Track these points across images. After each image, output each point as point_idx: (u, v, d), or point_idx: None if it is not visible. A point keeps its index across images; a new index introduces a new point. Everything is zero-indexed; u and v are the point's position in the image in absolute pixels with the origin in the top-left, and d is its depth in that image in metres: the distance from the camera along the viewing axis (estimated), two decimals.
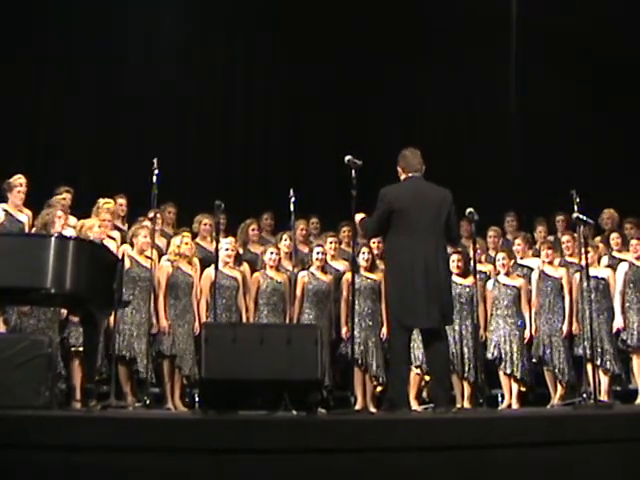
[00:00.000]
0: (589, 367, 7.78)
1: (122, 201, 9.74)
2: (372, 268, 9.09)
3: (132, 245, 8.65)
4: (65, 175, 10.18)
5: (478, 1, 13.04)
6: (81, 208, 9.09)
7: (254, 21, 13.03)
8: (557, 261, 9.38)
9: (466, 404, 8.78)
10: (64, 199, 8.81)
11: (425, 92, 13.51)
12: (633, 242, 9.18)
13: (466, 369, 8.86)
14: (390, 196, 6.69)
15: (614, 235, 9.57)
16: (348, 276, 8.90)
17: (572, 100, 12.80)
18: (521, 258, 9.66)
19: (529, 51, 13.00)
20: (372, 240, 9.14)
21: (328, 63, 12.71)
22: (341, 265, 9.51)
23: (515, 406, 8.85)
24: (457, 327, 8.89)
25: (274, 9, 12.88)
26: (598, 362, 8.38)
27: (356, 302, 8.40)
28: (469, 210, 7.51)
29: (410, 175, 6.85)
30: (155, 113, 12.33)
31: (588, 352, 8.03)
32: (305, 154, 12.81)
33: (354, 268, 7.69)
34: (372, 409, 8.49)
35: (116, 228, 9.28)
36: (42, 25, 12.00)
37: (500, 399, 9.17)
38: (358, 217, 6.96)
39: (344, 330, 9.01)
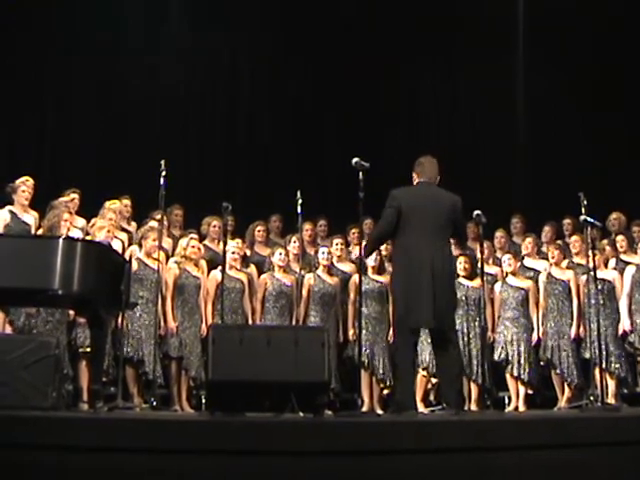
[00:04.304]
0: (596, 370, 7.77)
1: (127, 202, 9.74)
2: (380, 270, 9.13)
3: (140, 247, 8.70)
4: (72, 176, 10.21)
5: (480, 1, 13.08)
6: (87, 210, 9.11)
7: (258, 22, 13.02)
8: (564, 263, 9.37)
9: (473, 406, 8.80)
10: (71, 200, 8.84)
11: (430, 93, 13.53)
12: None
13: (473, 371, 8.88)
14: (399, 197, 6.74)
15: (619, 238, 9.56)
16: (355, 278, 8.93)
17: (580, 101, 12.75)
18: (528, 256, 9.68)
19: (535, 51, 12.97)
20: None
21: (336, 63, 12.70)
22: (347, 267, 9.54)
23: (522, 409, 8.84)
24: (465, 329, 8.93)
25: (276, 10, 12.89)
26: (604, 365, 8.36)
27: (363, 304, 8.41)
28: (476, 212, 7.51)
29: (423, 180, 6.90)
30: (161, 114, 12.40)
31: (595, 355, 8.02)
32: (313, 155, 12.76)
33: (361, 270, 7.69)
34: (379, 411, 8.49)
35: (122, 229, 9.31)
36: (46, 25, 12.03)
37: (507, 401, 9.16)
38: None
39: (351, 332, 9.05)
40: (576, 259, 9.43)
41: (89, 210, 9.13)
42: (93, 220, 8.64)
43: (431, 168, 6.95)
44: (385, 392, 8.96)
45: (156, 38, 12.54)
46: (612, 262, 9.38)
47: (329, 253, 9.28)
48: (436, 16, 12.92)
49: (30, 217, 8.51)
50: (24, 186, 8.47)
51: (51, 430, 4.47)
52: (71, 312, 7.89)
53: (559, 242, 9.92)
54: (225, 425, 4.87)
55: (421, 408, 8.26)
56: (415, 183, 6.97)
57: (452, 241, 7.12)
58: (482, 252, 7.89)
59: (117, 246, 8.40)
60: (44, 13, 12.00)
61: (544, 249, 9.98)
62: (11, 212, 8.41)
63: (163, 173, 7.74)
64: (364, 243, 7.05)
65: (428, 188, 6.88)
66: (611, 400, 8.49)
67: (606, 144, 12.37)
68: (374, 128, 12.61)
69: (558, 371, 8.94)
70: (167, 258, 8.95)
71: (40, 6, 11.89)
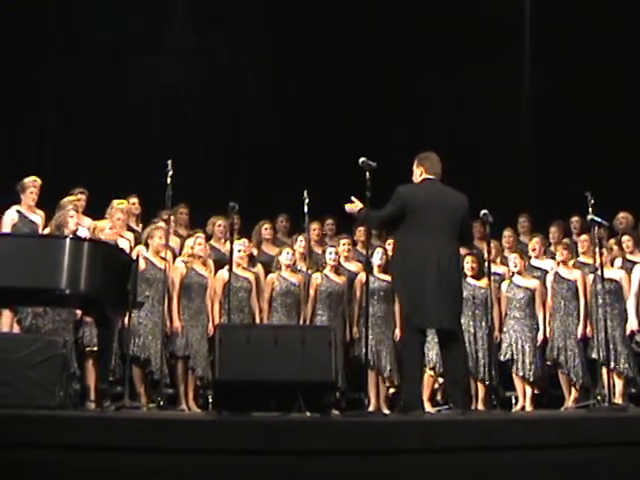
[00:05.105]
0: (603, 370, 7.77)
1: (134, 200, 9.73)
2: (386, 269, 9.09)
3: (147, 246, 8.69)
4: (72, 177, 10.20)
5: (480, 1, 13.11)
6: (93, 209, 9.11)
7: (258, 22, 13.02)
8: (572, 262, 9.36)
9: (480, 406, 8.80)
10: (78, 200, 8.83)
11: (430, 93, 13.51)
12: None
13: (480, 371, 8.88)
14: (407, 195, 6.68)
15: (625, 238, 9.49)
16: (361, 277, 8.96)
17: (580, 101, 12.73)
18: (536, 257, 9.68)
19: (535, 51, 13.00)
20: (387, 241, 9.17)
21: (336, 63, 12.67)
22: (354, 266, 9.54)
23: (529, 408, 8.84)
24: (471, 329, 8.92)
25: (276, 10, 12.90)
26: (612, 365, 8.35)
27: (369, 303, 8.39)
28: (483, 212, 7.53)
29: (429, 177, 6.86)
30: (161, 114, 12.38)
31: (602, 355, 8.02)
32: (313, 155, 12.74)
33: (368, 269, 7.68)
34: (385, 411, 8.50)
35: (129, 229, 9.31)
36: (46, 25, 12.01)
37: (514, 401, 9.15)
38: (351, 207, 6.89)
39: (354, 330, 9.09)
40: (582, 258, 9.44)
41: (89, 210, 9.11)
42: (93, 223, 8.59)
43: (437, 165, 6.90)
44: (391, 391, 8.99)
45: (156, 38, 12.48)
46: (618, 262, 9.35)
47: (336, 253, 9.29)
48: (436, 16, 12.89)
49: (37, 217, 8.52)
50: (32, 187, 8.49)
51: (57, 429, 4.47)
52: (78, 311, 7.89)
53: (567, 241, 9.92)
54: (232, 425, 4.88)
55: (428, 408, 8.23)
56: (421, 179, 6.89)
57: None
58: (489, 252, 7.89)
59: (124, 245, 8.40)
60: (44, 13, 11.96)
61: (552, 248, 9.98)
62: (18, 212, 8.43)
63: (170, 173, 7.75)
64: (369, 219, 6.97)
65: (435, 186, 6.83)
66: (618, 400, 8.47)
67: (606, 144, 12.32)
68: (374, 128, 12.56)
69: (565, 371, 8.94)
70: (174, 257, 8.95)
71: (40, 6, 11.85)
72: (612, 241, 9.62)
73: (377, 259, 9.11)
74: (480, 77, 12.89)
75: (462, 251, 7.87)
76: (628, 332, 8.95)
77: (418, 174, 6.93)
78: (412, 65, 13.09)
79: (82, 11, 12.03)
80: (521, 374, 8.94)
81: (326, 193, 11.39)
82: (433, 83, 13.55)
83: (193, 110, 12.80)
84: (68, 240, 6.26)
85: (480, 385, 8.94)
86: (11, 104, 11.54)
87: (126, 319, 7.47)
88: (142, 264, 8.21)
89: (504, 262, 9.64)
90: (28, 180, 8.53)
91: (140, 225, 9.67)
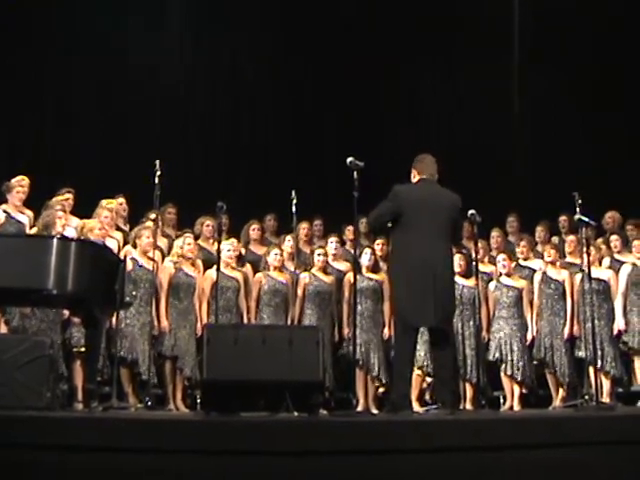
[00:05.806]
0: (591, 369, 7.78)
1: (122, 200, 9.67)
2: (374, 269, 9.13)
3: (135, 246, 8.68)
4: (72, 177, 10.17)
5: (480, 1, 13.07)
6: (82, 209, 9.09)
7: (258, 22, 13.04)
8: (559, 263, 9.35)
9: (468, 405, 8.79)
10: (66, 199, 8.81)
11: (427, 93, 13.51)
12: (636, 243, 9.19)
13: (468, 370, 8.87)
14: (402, 195, 6.77)
15: (613, 237, 9.55)
16: (350, 277, 8.95)
17: (580, 101, 12.71)
18: (524, 259, 9.65)
19: (535, 51, 12.97)
20: (376, 241, 9.19)
21: (336, 63, 12.67)
22: (343, 266, 9.53)
23: (517, 408, 8.83)
24: (459, 328, 8.89)
25: (276, 10, 12.91)
26: (599, 365, 8.37)
27: (357, 303, 8.38)
28: (471, 212, 7.57)
29: (424, 177, 6.92)
30: (161, 114, 12.38)
31: (589, 354, 8.02)
32: (312, 155, 12.72)
33: (356, 269, 7.67)
34: (374, 410, 8.47)
35: (118, 229, 9.28)
36: (46, 25, 12.03)
37: (502, 401, 9.15)
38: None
39: (346, 331, 9.04)
40: (570, 258, 9.43)
41: (89, 210, 9.10)
42: (82, 222, 8.56)
43: (432, 166, 6.98)
44: (380, 391, 8.97)
45: (156, 38, 12.51)
46: (606, 261, 9.37)
47: (325, 254, 9.27)
48: (436, 16, 12.91)
49: (24, 217, 8.49)
50: (19, 186, 8.47)
51: (56, 430, 4.48)
52: (65, 312, 7.87)
53: (555, 241, 9.93)
54: (220, 425, 4.90)
55: (416, 407, 8.22)
56: (416, 180, 6.98)
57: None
58: (477, 251, 7.90)
59: (112, 245, 8.37)
60: (44, 13, 11.99)
61: (539, 248, 9.96)
62: (5, 212, 8.40)
63: (158, 173, 7.76)
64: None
65: (430, 186, 6.91)
66: (606, 399, 8.49)
67: (606, 144, 12.31)
68: (374, 128, 12.57)
69: (552, 370, 8.94)
70: (162, 257, 8.92)
71: (40, 6, 11.87)
72: (600, 240, 9.64)
73: (365, 259, 9.11)
74: (480, 77, 12.89)
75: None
76: (615, 332, 8.97)
77: (412, 176, 7.03)
78: (412, 65, 13.10)
79: (82, 11, 12.06)
80: (509, 373, 8.92)
81: (324, 193, 11.44)
82: (433, 83, 13.56)
83: (192, 110, 12.81)
84: (55, 240, 6.26)
85: (468, 385, 8.93)
86: (11, 104, 11.54)
87: (114, 319, 7.48)
88: (130, 264, 8.20)
89: (492, 262, 9.64)
90: (14, 180, 8.51)
91: (128, 225, 9.64)
